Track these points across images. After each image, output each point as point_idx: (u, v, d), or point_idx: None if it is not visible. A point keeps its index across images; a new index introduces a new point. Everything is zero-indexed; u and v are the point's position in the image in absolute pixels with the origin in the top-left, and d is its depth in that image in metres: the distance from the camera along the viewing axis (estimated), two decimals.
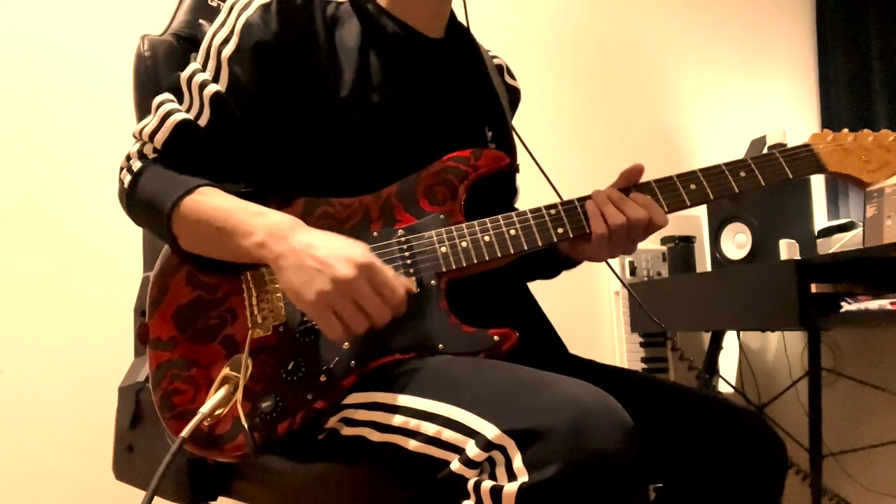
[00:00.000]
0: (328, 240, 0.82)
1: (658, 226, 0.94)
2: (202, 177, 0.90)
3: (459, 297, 0.90)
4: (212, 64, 0.94)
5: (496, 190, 1.00)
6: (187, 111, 0.93)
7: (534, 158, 1.10)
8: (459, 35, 1.11)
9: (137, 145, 0.95)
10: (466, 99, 1.06)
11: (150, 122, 0.94)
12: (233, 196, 0.89)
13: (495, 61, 1.20)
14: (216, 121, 0.92)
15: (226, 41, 0.94)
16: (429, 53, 1.04)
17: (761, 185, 0.98)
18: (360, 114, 0.95)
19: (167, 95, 0.95)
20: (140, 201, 0.92)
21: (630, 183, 0.96)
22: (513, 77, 1.24)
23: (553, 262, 1.10)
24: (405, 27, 1.02)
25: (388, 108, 0.97)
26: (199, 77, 0.93)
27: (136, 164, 0.93)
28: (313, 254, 0.80)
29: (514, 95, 1.23)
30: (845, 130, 1.05)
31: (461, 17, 1.12)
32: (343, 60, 0.97)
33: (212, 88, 0.92)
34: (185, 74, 0.95)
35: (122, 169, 0.95)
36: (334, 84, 0.95)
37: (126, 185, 0.93)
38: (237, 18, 0.94)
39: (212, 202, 0.87)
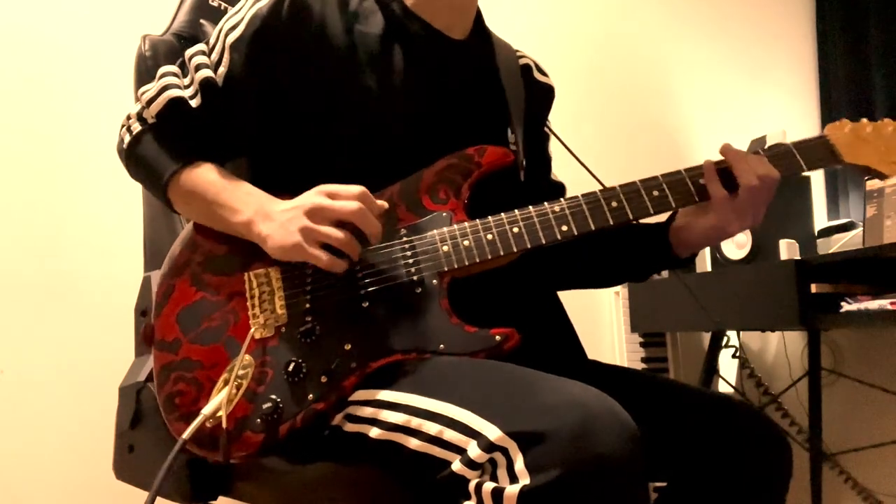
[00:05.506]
0: (297, 197, 0.89)
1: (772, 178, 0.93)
2: (193, 151, 0.96)
3: (478, 298, 0.89)
4: (218, 47, 0.97)
5: (504, 189, 0.99)
6: (186, 87, 0.97)
7: (573, 153, 1.10)
8: (485, 37, 1.10)
9: (138, 107, 0.99)
10: (487, 101, 1.06)
11: (151, 88, 0.98)
12: (223, 172, 0.95)
13: (521, 61, 1.17)
14: (205, 105, 0.95)
15: (234, 27, 0.96)
16: (450, 54, 1.03)
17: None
18: (377, 110, 0.96)
19: (172, 68, 1.00)
20: (138, 164, 0.99)
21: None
22: (543, 74, 1.21)
23: (650, 258, 1.08)
24: (427, 27, 1.02)
25: (404, 107, 0.97)
26: (198, 59, 0.97)
27: (136, 126, 0.98)
28: (283, 209, 0.88)
29: (545, 92, 1.21)
30: (864, 120, 0.99)
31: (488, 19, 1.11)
32: (364, 55, 0.97)
33: (203, 73, 0.96)
34: (189, 52, 0.99)
35: (122, 126, 1.00)
36: (353, 79, 0.96)
37: (125, 145, 0.99)
38: (250, 7, 0.96)
39: (206, 177, 0.94)
